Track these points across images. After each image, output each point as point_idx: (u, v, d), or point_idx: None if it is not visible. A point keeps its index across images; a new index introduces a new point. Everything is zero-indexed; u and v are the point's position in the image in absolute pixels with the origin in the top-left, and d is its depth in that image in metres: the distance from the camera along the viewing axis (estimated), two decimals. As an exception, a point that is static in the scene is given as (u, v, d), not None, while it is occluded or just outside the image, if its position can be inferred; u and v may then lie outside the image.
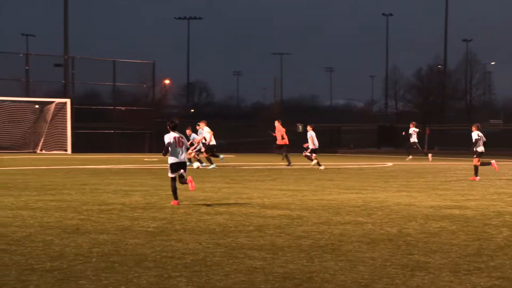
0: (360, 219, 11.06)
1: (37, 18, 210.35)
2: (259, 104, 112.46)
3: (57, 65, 52.97)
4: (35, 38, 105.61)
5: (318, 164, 26.19)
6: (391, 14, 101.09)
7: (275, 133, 29.65)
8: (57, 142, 46.88)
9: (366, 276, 6.72)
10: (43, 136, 47.08)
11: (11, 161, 32.24)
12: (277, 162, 31.05)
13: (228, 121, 67.18)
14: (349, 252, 8.01)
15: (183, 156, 12.71)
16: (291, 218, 11.05)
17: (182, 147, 12.66)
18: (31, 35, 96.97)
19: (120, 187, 16.94)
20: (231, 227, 9.94)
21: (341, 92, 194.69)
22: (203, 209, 12.22)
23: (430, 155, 34.46)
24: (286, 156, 29.16)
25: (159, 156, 40.68)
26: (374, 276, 6.72)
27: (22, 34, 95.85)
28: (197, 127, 27.85)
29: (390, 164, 32.25)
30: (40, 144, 46.92)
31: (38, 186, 16.94)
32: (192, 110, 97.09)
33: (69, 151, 45.60)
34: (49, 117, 47.55)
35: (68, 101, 47.53)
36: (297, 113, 78.50)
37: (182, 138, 12.82)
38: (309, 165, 27.54)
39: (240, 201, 13.77)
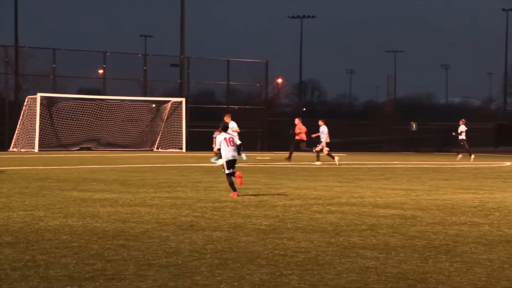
0: (476, 219, 10.76)
1: (155, 18, 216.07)
2: (372, 102, 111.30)
3: (173, 65, 54.27)
4: (153, 39, 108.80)
5: (332, 156, 27.05)
6: (511, 10, 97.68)
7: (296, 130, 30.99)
8: (172, 140, 48.01)
9: (483, 278, 6.52)
10: (159, 134, 48.32)
11: (129, 159, 33.26)
12: (390, 161, 30.62)
13: (341, 120, 66.82)
14: (465, 253, 7.81)
15: (234, 154, 14.38)
16: (405, 217, 10.87)
17: (233, 146, 14.30)
18: (149, 36, 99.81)
19: (233, 185, 17.14)
20: (343, 226, 9.88)
21: (457, 90, 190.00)
22: (315, 207, 12.20)
23: None
24: (293, 151, 30.44)
25: (272, 154, 40.96)
26: (492, 279, 6.51)
27: (141, 35, 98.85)
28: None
29: (508, 163, 31.19)
30: (157, 142, 48.18)
31: (155, 183, 17.40)
32: (304, 109, 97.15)
33: (184, 149, 46.59)
34: (165, 116, 48.77)
35: (183, 100, 48.59)
36: (411, 112, 77.19)
37: (232, 138, 14.51)
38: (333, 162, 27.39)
39: (352, 200, 13.67)
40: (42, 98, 44.23)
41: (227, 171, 14.39)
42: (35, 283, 6.01)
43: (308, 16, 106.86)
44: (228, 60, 53.40)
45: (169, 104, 48.88)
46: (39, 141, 43.18)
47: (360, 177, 20.88)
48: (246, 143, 31.32)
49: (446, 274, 6.69)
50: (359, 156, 40.67)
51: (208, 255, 7.45)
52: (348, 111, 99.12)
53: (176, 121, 48.10)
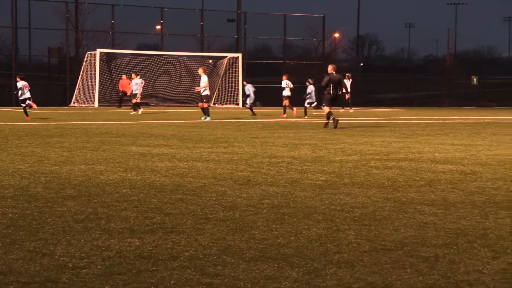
0: (538, 176, 10.54)
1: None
2: (432, 56, 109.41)
3: (230, 20, 54.14)
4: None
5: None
6: None
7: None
8: (229, 96, 48.16)
9: (544, 236, 6.41)
10: (216, 90, 48.50)
11: (187, 114, 33.52)
12: (449, 116, 30.18)
13: (399, 75, 65.88)
14: (526, 210, 7.67)
15: None
16: (464, 173, 10.73)
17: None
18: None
19: (289, 140, 17.16)
20: (400, 181, 9.80)
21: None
22: (372, 163, 12.13)
23: None
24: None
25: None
26: (553, 236, 6.40)
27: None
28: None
29: None
30: (213, 98, 48.38)
31: (212, 138, 17.51)
32: (362, 64, 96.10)
33: (240, 104, 46.70)
34: (221, 72, 48.87)
35: (239, 55, 48.55)
36: (472, 66, 75.62)
37: None
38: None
39: (410, 155, 13.53)
40: (101, 53, 44.74)
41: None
42: (97, 235, 6.14)
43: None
44: (285, 15, 53.03)
45: (226, 59, 48.91)
46: (99, 96, 43.83)
47: (419, 132, 20.64)
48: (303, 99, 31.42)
49: (508, 230, 6.60)
50: (418, 111, 40.17)
51: (265, 210, 7.49)
52: (407, 66, 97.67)
53: (233, 77, 48.17)
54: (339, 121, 22.26)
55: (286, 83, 32.68)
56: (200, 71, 27.24)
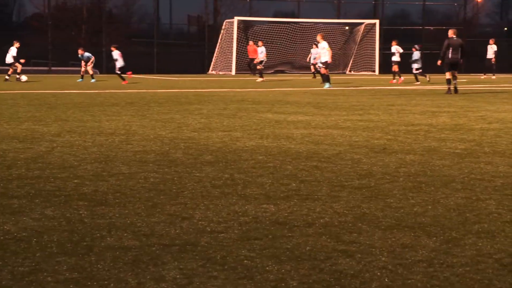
0: None
1: None
2: None
3: (366, -14, 53.27)
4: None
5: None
6: None
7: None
8: (365, 63, 47.58)
9: None
10: (352, 57, 48.03)
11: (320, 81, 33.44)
12: None
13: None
14: None
15: None
16: None
17: None
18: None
19: (427, 108, 16.79)
20: (545, 151, 9.38)
21: None
22: (515, 132, 11.66)
23: None
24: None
25: (469, 76, 39.46)
26: None
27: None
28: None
29: None
30: (349, 65, 47.97)
31: (347, 106, 17.40)
32: (506, 29, 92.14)
33: (377, 72, 46.06)
34: (358, 39, 48.30)
35: (377, 22, 47.77)
36: None
37: None
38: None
39: (556, 124, 12.90)
40: (239, 21, 45.28)
41: None
42: (234, 200, 6.27)
43: None
44: (424, -21, 51.56)
45: (363, 26, 48.28)
46: (236, 64, 44.49)
47: None
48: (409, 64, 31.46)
49: None
50: None
51: (401, 178, 7.38)
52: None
53: (369, 44, 47.51)
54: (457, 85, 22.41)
55: (396, 48, 32.52)
56: (319, 37, 27.24)
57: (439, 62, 22.67)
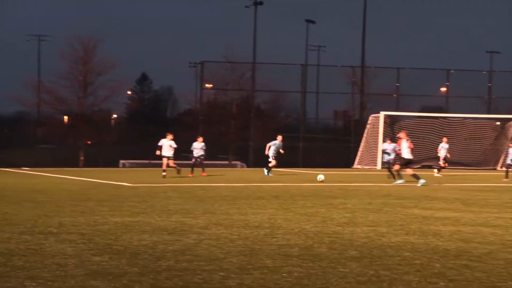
0: None
1: (501, 34, 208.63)
2: None
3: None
4: (499, 55, 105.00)
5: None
6: None
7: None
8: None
9: None
10: (504, 153, 46.52)
11: (472, 178, 32.50)
12: None
13: None
14: None
15: None
16: None
17: None
18: (496, 52, 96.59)
19: None
20: None
21: None
22: None
23: None
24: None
25: None
26: None
27: (486, 51, 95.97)
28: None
29: None
30: (501, 161, 46.47)
31: (498, 203, 16.76)
32: None
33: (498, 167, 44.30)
34: (510, 134, 46.89)
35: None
36: None
37: None
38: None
39: None
40: (385, 116, 45.25)
41: None
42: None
43: None
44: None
45: (514, 120, 46.90)
46: (381, 159, 44.17)
47: None
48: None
49: None
50: None
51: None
52: None
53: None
54: None
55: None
56: (402, 134, 26.66)
57: None
